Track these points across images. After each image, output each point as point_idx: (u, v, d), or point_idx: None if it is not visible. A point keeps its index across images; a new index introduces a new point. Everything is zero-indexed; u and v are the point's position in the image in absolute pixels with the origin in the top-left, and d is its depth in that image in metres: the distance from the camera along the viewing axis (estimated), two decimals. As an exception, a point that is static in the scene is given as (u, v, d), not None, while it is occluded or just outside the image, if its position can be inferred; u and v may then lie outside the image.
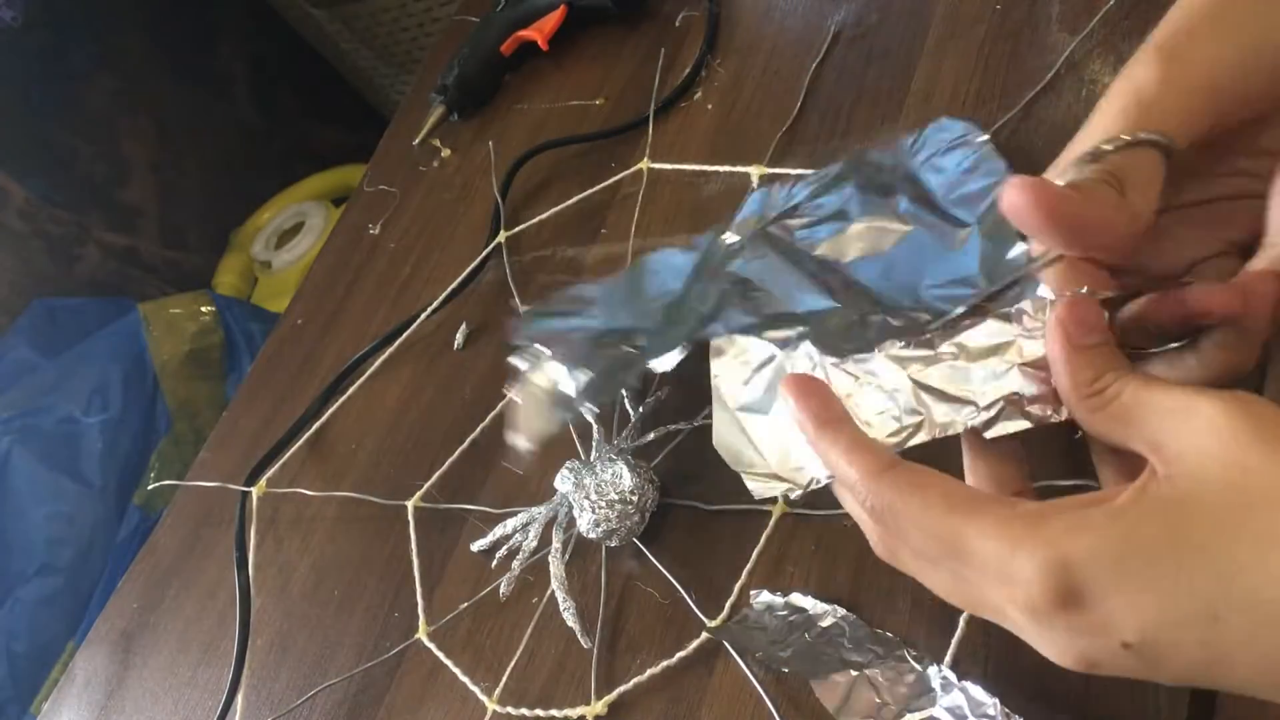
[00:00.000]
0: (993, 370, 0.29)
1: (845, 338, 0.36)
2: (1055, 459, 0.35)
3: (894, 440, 0.30)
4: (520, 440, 0.46)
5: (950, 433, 0.30)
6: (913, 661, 0.35)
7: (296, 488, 0.57)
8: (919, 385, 0.31)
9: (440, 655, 0.47)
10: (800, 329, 0.38)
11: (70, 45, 1.39)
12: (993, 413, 0.29)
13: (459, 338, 0.58)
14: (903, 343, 0.32)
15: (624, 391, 0.48)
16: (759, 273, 0.42)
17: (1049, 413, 0.29)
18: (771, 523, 0.42)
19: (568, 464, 0.46)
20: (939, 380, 0.30)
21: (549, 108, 0.67)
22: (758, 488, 0.35)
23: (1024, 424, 0.29)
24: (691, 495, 0.45)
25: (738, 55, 0.59)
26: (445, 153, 0.70)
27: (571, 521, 0.46)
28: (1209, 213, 0.32)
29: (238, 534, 0.56)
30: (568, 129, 0.64)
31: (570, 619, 0.44)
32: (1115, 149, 0.28)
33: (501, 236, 0.60)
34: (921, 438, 0.30)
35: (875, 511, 0.28)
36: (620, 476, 0.44)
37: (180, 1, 1.50)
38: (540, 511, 0.47)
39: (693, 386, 0.47)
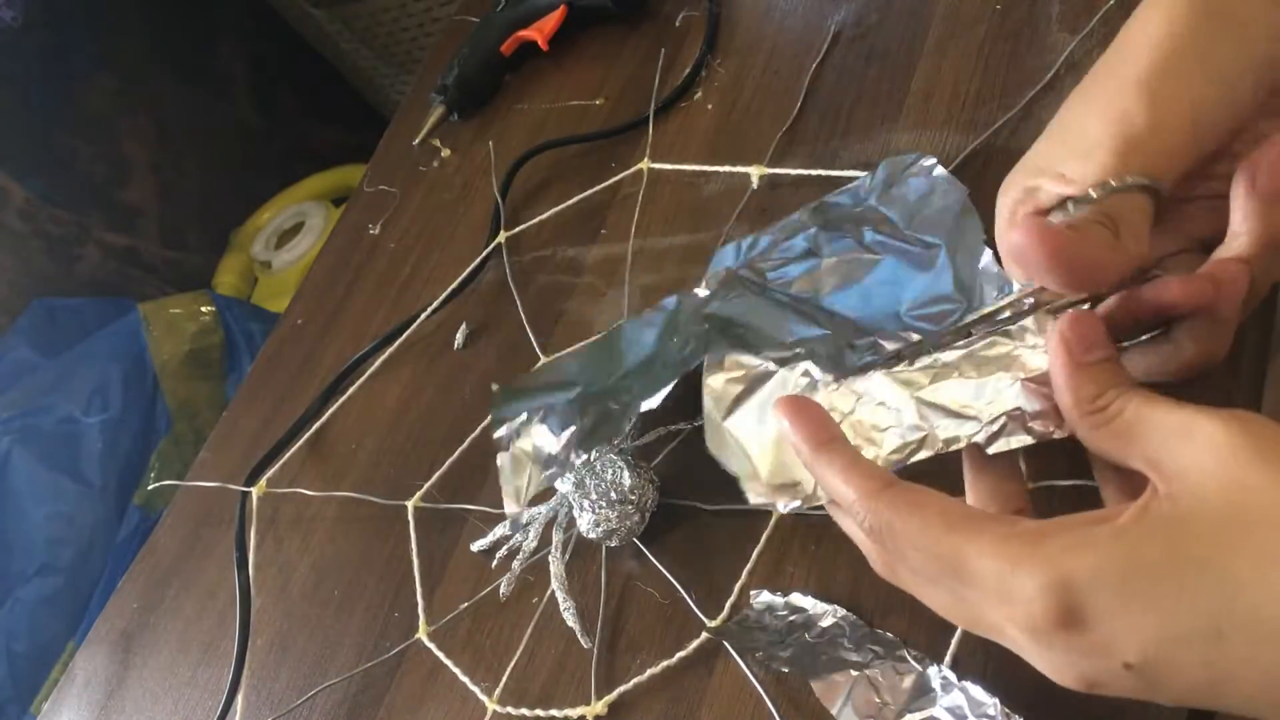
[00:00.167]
0: (995, 386, 0.29)
1: (840, 360, 0.36)
2: (1055, 459, 0.35)
3: (897, 457, 0.30)
4: (509, 504, 0.47)
5: (953, 448, 0.30)
6: (913, 661, 0.35)
7: (296, 488, 0.57)
8: (921, 402, 0.30)
9: (440, 655, 0.47)
10: (797, 350, 0.38)
11: (70, 45, 1.39)
12: (996, 428, 0.29)
13: (459, 338, 0.58)
14: (905, 362, 0.32)
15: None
16: (739, 311, 0.43)
17: (1051, 429, 0.29)
18: (771, 523, 0.42)
19: (568, 464, 0.46)
20: (942, 396, 0.30)
21: (549, 108, 0.67)
22: (756, 499, 0.35)
23: (1026, 439, 0.29)
24: (691, 495, 0.45)
25: (738, 55, 0.59)
26: (445, 153, 0.70)
27: (571, 521, 0.46)
28: (1172, 211, 0.32)
29: (238, 534, 0.56)
30: (568, 129, 0.64)
31: (570, 619, 0.44)
32: (1105, 195, 0.28)
33: (501, 236, 0.60)
34: (925, 454, 0.30)
35: (873, 531, 0.28)
36: (620, 476, 0.44)
37: (180, 1, 1.50)
38: (540, 511, 0.47)
39: (693, 387, 0.47)
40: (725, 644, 0.40)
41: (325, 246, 0.73)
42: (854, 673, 0.35)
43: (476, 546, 0.49)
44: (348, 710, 0.48)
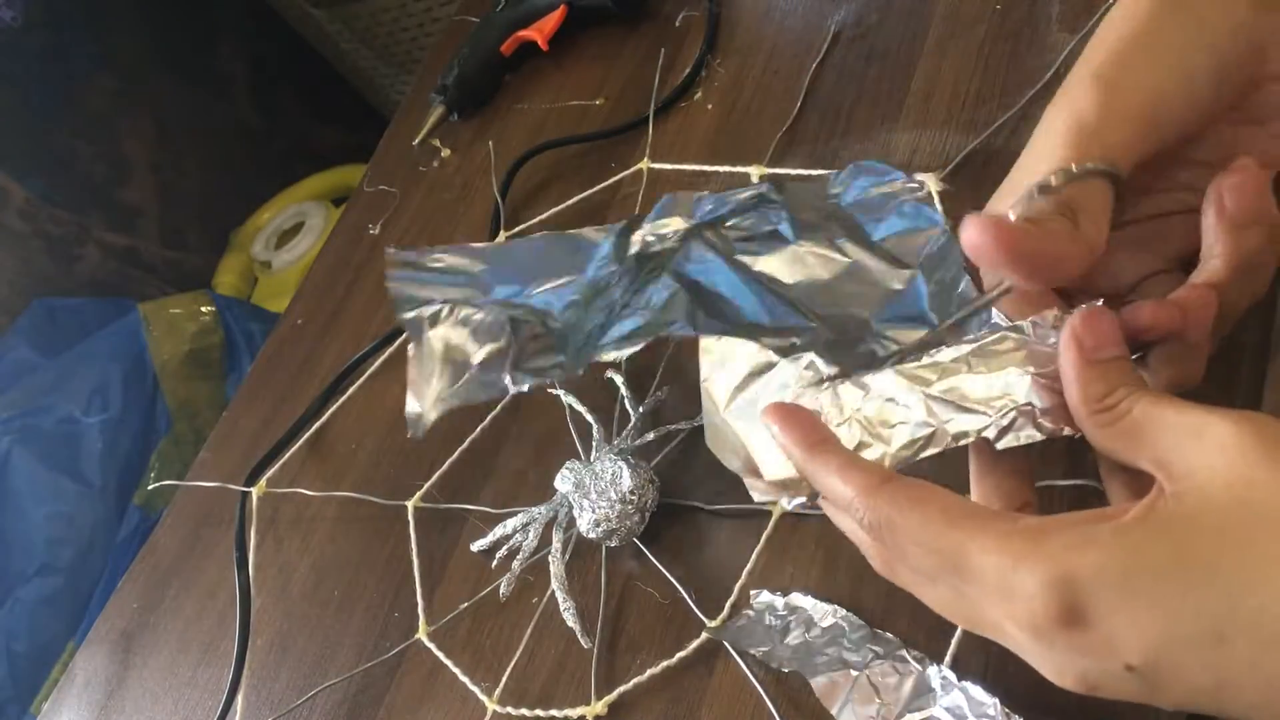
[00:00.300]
0: (1006, 381, 0.29)
1: (843, 353, 0.36)
2: (1055, 459, 0.36)
3: (906, 454, 0.30)
4: (411, 404, 0.41)
5: (962, 443, 0.29)
6: (913, 661, 0.35)
7: (296, 488, 0.57)
8: (931, 397, 0.30)
9: (440, 655, 0.47)
10: (794, 340, 0.38)
11: (70, 45, 1.39)
12: (1006, 422, 0.29)
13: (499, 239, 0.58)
14: (912, 357, 0.32)
15: (624, 392, 0.48)
16: (716, 281, 0.40)
17: (1061, 426, 0.28)
18: (771, 523, 0.42)
19: (568, 464, 0.46)
20: (951, 391, 0.30)
21: (549, 108, 0.67)
22: (760, 497, 0.35)
23: (1036, 435, 0.29)
24: (691, 495, 0.45)
25: (738, 55, 0.59)
26: (445, 153, 0.70)
27: (571, 521, 0.46)
28: (1151, 230, 0.32)
29: (238, 534, 0.56)
30: (568, 129, 0.64)
31: (570, 619, 0.44)
32: (1064, 181, 0.28)
33: (502, 237, 0.60)
34: (934, 450, 0.30)
35: (873, 528, 0.28)
36: (620, 476, 0.44)
37: (180, 1, 1.50)
38: (540, 511, 0.47)
39: (693, 386, 0.47)
40: (725, 644, 0.40)
41: (325, 246, 0.73)
42: (854, 673, 0.36)
43: (476, 546, 0.49)
44: (348, 710, 0.48)
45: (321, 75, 1.58)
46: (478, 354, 0.41)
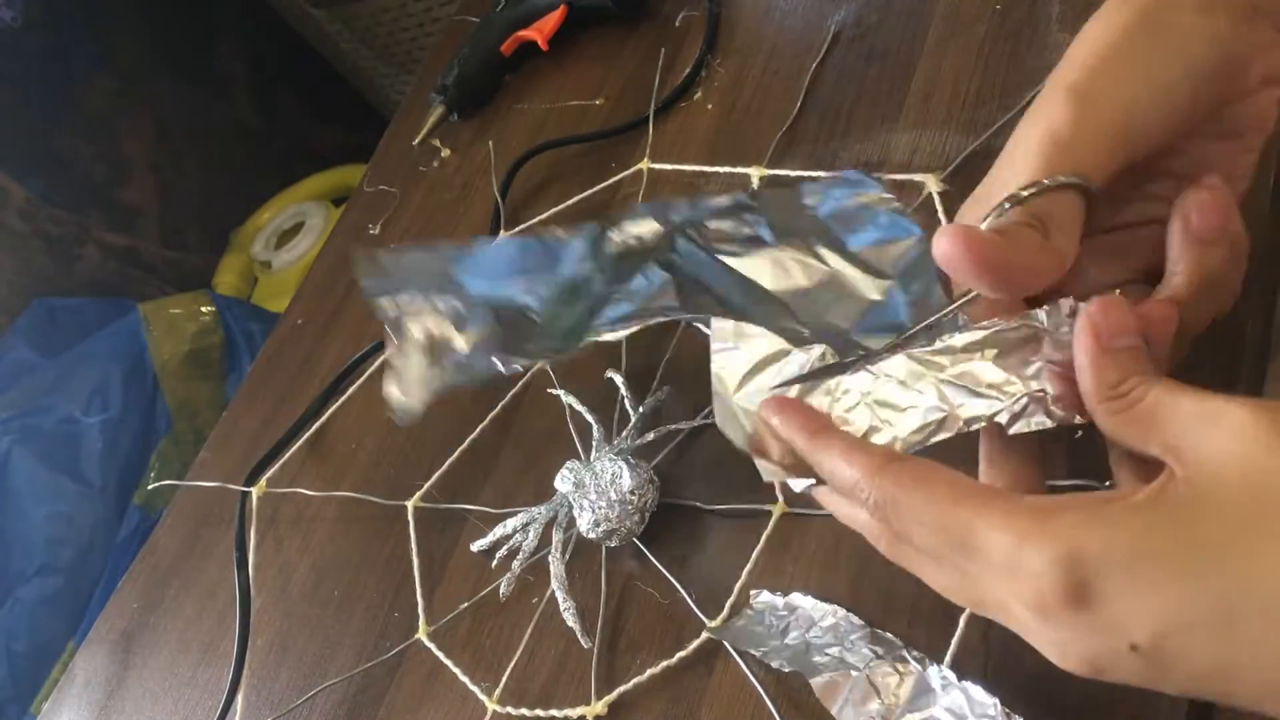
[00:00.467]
0: (1020, 367, 0.29)
1: (850, 348, 0.36)
2: (1055, 459, 0.35)
3: (918, 438, 0.30)
4: (394, 393, 0.42)
5: (974, 428, 0.29)
6: (913, 661, 0.35)
7: (296, 488, 0.57)
8: (943, 381, 0.30)
9: (440, 655, 0.47)
10: (803, 332, 0.38)
11: (70, 45, 1.39)
12: (1018, 408, 0.29)
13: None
14: (924, 342, 0.32)
15: (624, 392, 0.48)
16: (708, 276, 0.40)
17: (1072, 414, 0.28)
18: (771, 523, 0.42)
19: (568, 464, 0.46)
20: (964, 376, 0.30)
21: (549, 108, 0.67)
22: (768, 475, 0.35)
23: (1047, 423, 0.29)
24: (691, 495, 0.45)
25: (738, 55, 0.59)
26: (445, 153, 0.70)
27: (571, 521, 0.46)
28: (1120, 240, 0.33)
29: (238, 534, 0.56)
30: (568, 129, 0.64)
31: (570, 619, 0.44)
32: (1036, 193, 0.29)
33: (502, 236, 0.60)
34: (945, 435, 0.30)
35: (878, 507, 0.28)
36: (620, 476, 0.44)
37: (180, 1, 1.50)
38: (540, 511, 0.47)
39: (693, 386, 0.47)
40: (725, 644, 0.40)
41: (325, 246, 0.73)
42: (854, 673, 0.36)
43: (476, 546, 0.49)
44: (348, 710, 0.48)
45: (321, 75, 1.58)
46: (461, 341, 0.41)
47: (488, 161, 0.66)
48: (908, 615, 0.37)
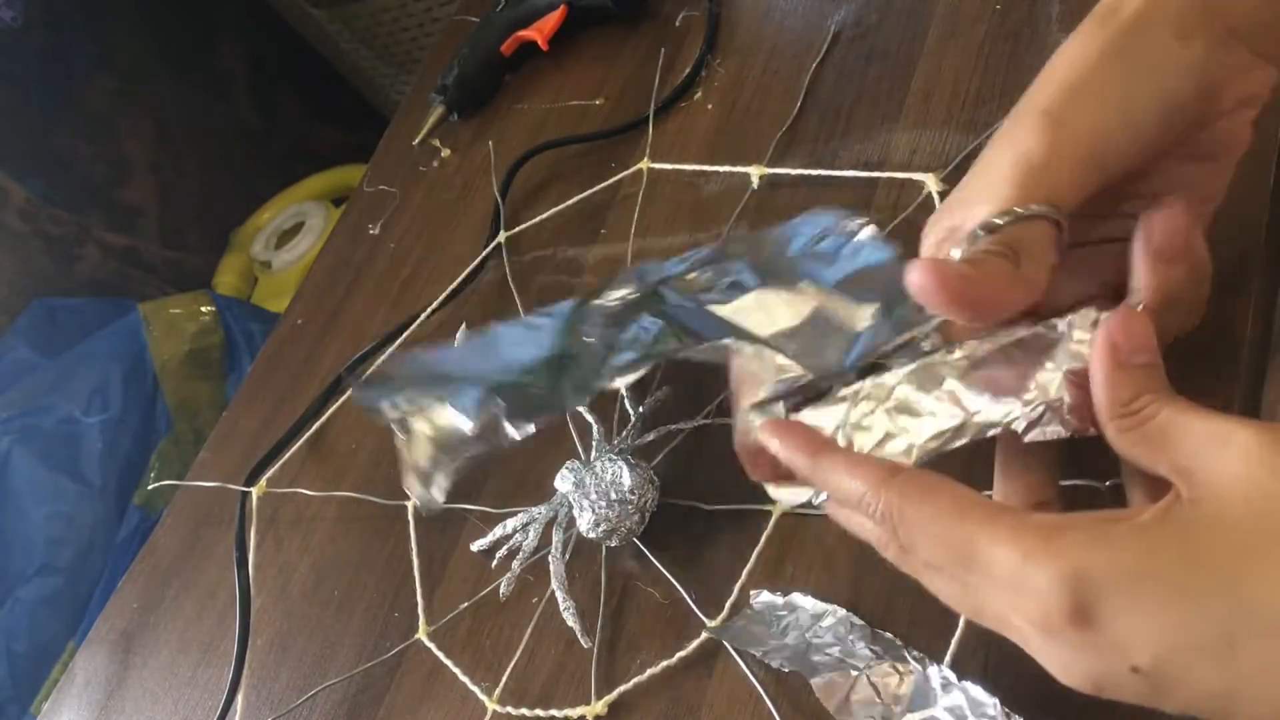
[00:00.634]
0: (1038, 375, 0.29)
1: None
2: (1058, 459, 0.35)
3: (935, 444, 0.30)
4: (416, 488, 0.43)
5: (990, 434, 0.29)
6: (913, 661, 0.35)
7: (296, 488, 0.57)
8: (961, 388, 0.30)
9: (440, 655, 0.47)
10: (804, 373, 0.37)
11: (70, 45, 1.39)
12: (1034, 416, 0.29)
13: (459, 338, 0.58)
14: (945, 349, 0.32)
15: (624, 391, 0.48)
16: (693, 324, 0.40)
17: (1087, 425, 0.28)
18: (771, 523, 0.42)
19: (568, 464, 0.46)
20: (982, 383, 0.30)
21: (549, 108, 0.67)
22: (787, 496, 0.34)
23: (1061, 432, 0.29)
24: (691, 495, 0.45)
25: (738, 55, 0.59)
26: (445, 153, 0.70)
27: (571, 521, 0.46)
28: (1089, 256, 0.33)
29: (238, 534, 0.56)
30: (568, 129, 0.64)
31: (570, 619, 0.44)
32: (1010, 221, 0.29)
33: (501, 236, 0.60)
34: (961, 441, 0.30)
35: (885, 519, 0.28)
36: (620, 476, 0.44)
37: (180, 1, 1.50)
38: (540, 511, 0.47)
39: (693, 386, 0.47)
40: (725, 644, 0.40)
41: (325, 246, 0.73)
42: (854, 673, 0.36)
43: (476, 546, 0.49)
44: (348, 710, 0.48)
45: (321, 75, 1.58)
46: (470, 425, 0.41)
47: (488, 161, 0.66)
48: (908, 615, 0.37)
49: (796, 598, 0.39)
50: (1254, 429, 0.24)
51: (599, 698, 0.42)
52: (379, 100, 1.59)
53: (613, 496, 0.44)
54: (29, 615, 1.03)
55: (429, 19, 1.37)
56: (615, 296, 0.43)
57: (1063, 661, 0.25)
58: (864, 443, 0.31)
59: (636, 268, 0.43)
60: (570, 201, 0.59)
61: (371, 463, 0.57)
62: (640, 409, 0.47)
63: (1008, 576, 0.25)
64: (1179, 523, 0.24)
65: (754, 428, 0.33)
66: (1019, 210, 0.29)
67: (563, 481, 0.46)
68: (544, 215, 0.60)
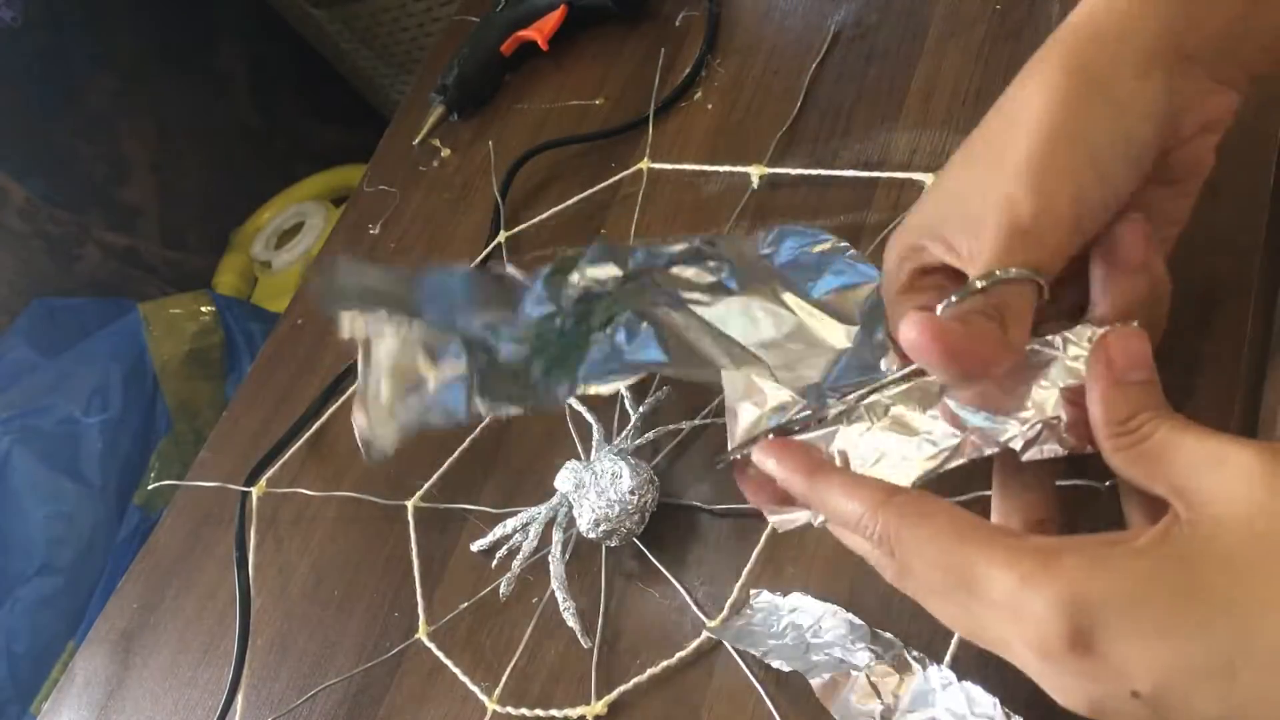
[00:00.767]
0: (1035, 393, 0.29)
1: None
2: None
3: (932, 464, 0.30)
4: (362, 423, 0.39)
5: (988, 453, 0.29)
6: (913, 662, 0.35)
7: (296, 488, 0.57)
8: (957, 405, 0.30)
9: (440, 655, 0.47)
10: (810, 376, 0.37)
11: (70, 45, 1.39)
12: (1032, 434, 0.29)
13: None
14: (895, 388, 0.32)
15: (624, 392, 0.48)
16: (676, 324, 0.39)
17: (1084, 443, 0.28)
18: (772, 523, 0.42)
19: (568, 464, 0.46)
20: (978, 399, 0.30)
21: (549, 108, 0.67)
22: (779, 519, 0.34)
23: (1059, 450, 0.29)
24: (691, 495, 0.45)
25: (738, 55, 0.59)
26: (445, 153, 0.70)
27: (571, 521, 0.46)
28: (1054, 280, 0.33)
29: (238, 534, 0.56)
30: (568, 129, 0.64)
31: (570, 619, 0.44)
32: (995, 284, 0.29)
33: (501, 236, 0.60)
34: (959, 460, 0.30)
35: (881, 541, 0.28)
36: (620, 476, 0.44)
37: (180, 1, 1.50)
38: (540, 511, 0.47)
39: (692, 387, 0.47)
40: (725, 644, 0.40)
41: (325, 246, 0.73)
42: (854, 673, 0.35)
43: (476, 546, 0.49)
44: (348, 710, 0.48)
45: (321, 75, 1.58)
46: (433, 375, 0.39)
47: (488, 161, 0.66)
48: (908, 615, 0.37)
49: (796, 598, 0.39)
50: (1252, 449, 0.24)
51: (599, 698, 0.42)
52: (379, 100, 1.59)
53: (613, 496, 0.44)
54: (29, 615, 1.03)
55: (429, 19, 1.37)
56: (593, 276, 0.41)
57: (1062, 686, 0.25)
58: (860, 463, 0.31)
59: (615, 246, 0.42)
60: (570, 201, 0.59)
61: (371, 463, 0.57)
62: (640, 409, 0.47)
63: (1005, 600, 0.25)
64: (1177, 546, 0.24)
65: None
66: (1003, 274, 0.29)
67: (563, 481, 0.46)
68: (544, 215, 0.60)
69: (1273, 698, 0.22)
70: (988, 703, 0.33)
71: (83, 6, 1.39)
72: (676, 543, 0.44)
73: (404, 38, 1.42)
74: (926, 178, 0.46)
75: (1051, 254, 0.29)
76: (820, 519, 0.32)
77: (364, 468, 0.57)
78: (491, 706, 0.44)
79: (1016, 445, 0.29)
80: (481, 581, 0.48)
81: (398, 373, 0.40)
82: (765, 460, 0.31)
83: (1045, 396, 0.29)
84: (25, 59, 1.34)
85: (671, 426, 0.47)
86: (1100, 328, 0.29)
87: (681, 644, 0.41)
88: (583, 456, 0.48)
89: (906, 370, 0.32)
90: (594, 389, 0.38)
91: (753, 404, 0.35)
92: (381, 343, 0.41)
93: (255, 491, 0.58)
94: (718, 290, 0.40)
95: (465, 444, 0.53)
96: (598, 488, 0.44)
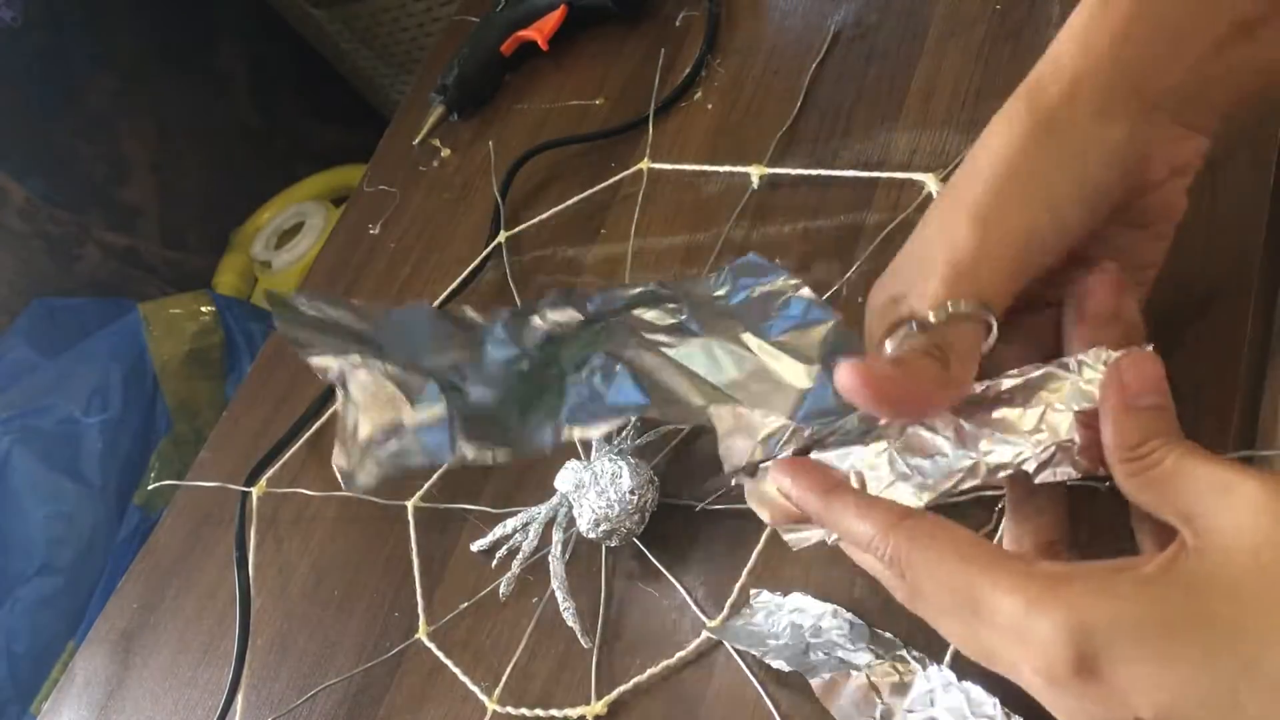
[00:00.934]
0: (1049, 416, 0.29)
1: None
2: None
3: (947, 484, 0.30)
4: (341, 463, 0.36)
5: (1001, 475, 0.29)
6: (913, 661, 0.35)
7: (296, 488, 0.57)
8: (971, 426, 0.30)
9: (440, 655, 0.47)
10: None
11: (70, 45, 1.38)
12: (1046, 456, 0.29)
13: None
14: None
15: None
16: (646, 365, 0.37)
17: (1096, 466, 0.28)
18: (771, 523, 0.42)
19: (568, 464, 0.46)
20: (993, 422, 0.30)
21: (549, 108, 0.67)
22: (799, 544, 0.34)
23: (1072, 473, 0.28)
24: (691, 495, 0.45)
25: (738, 55, 0.59)
26: (445, 153, 0.70)
27: (571, 521, 0.46)
28: (1032, 322, 0.33)
29: (238, 534, 0.56)
30: (568, 129, 0.64)
31: (570, 619, 0.44)
32: (939, 320, 0.29)
33: (501, 236, 0.60)
34: (972, 482, 0.30)
35: (892, 562, 0.28)
36: (620, 476, 0.44)
37: (180, 1, 1.50)
38: (540, 511, 0.47)
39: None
40: (725, 644, 0.40)
41: (325, 246, 0.73)
42: (854, 673, 0.35)
43: (476, 546, 0.49)
44: (348, 710, 0.48)
45: (321, 75, 1.58)
46: (412, 416, 0.37)
47: (488, 161, 0.66)
48: (908, 615, 0.36)
49: (796, 598, 0.39)
50: (1258, 480, 0.24)
51: (599, 698, 0.42)
52: (379, 100, 1.59)
53: (613, 496, 0.44)
54: (29, 615, 1.03)
55: (429, 19, 1.37)
56: (555, 319, 0.40)
57: (1067, 710, 0.25)
58: (874, 483, 0.31)
59: (572, 292, 0.41)
60: (570, 201, 0.59)
61: (371, 463, 0.57)
62: (640, 409, 0.47)
63: (1012, 625, 0.25)
64: (1184, 574, 0.24)
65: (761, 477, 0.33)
66: (949, 309, 0.29)
67: (563, 481, 0.46)
68: (544, 215, 0.60)
69: None
70: (988, 703, 0.33)
71: (83, 6, 1.39)
72: (676, 543, 0.44)
73: (404, 38, 1.42)
74: (926, 178, 0.46)
75: (996, 291, 0.30)
76: (834, 537, 0.32)
77: (364, 468, 0.57)
78: (491, 706, 0.44)
79: (1030, 467, 0.29)
80: (481, 581, 0.48)
81: (374, 410, 0.38)
82: (781, 479, 0.31)
83: (1059, 419, 0.29)
84: (25, 59, 1.34)
85: (672, 426, 0.47)
86: (1115, 351, 0.29)
87: (681, 644, 0.41)
88: (583, 456, 0.48)
89: (838, 422, 0.32)
90: (579, 433, 0.36)
91: (745, 435, 0.35)
92: (355, 380, 0.39)
93: (255, 491, 0.58)
94: (680, 331, 0.39)
95: (465, 444, 0.53)
96: (598, 488, 0.44)
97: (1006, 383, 0.30)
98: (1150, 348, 0.28)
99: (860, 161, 0.50)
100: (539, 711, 0.43)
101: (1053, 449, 0.29)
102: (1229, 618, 0.23)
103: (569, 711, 0.42)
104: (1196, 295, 0.36)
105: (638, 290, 0.41)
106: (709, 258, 0.51)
